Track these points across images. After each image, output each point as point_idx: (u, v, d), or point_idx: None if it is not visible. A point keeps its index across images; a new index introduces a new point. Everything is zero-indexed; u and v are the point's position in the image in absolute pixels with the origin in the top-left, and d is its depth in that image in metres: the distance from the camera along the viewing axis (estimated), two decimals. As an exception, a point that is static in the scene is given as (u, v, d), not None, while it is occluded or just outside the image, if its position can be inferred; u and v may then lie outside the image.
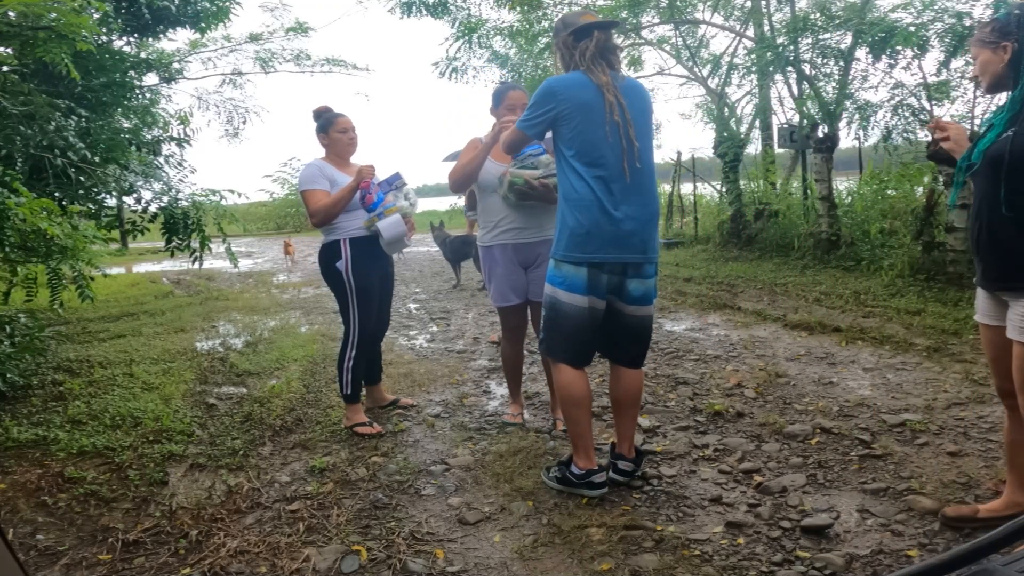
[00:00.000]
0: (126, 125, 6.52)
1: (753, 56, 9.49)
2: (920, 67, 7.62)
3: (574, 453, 2.81)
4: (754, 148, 11.98)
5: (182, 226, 5.39)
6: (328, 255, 3.61)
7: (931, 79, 7.56)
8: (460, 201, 19.90)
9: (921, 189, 7.87)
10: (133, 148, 5.67)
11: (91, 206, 5.33)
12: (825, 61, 8.68)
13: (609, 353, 2.91)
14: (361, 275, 3.57)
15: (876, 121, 8.30)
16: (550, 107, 2.66)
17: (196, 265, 5.50)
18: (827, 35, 8.38)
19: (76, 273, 4.50)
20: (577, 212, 2.64)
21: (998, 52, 2.12)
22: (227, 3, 7.20)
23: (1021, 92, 2.08)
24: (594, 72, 2.66)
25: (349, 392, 3.66)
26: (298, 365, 5.06)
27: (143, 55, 7.16)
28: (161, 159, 6.32)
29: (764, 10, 9.96)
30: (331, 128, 3.63)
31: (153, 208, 5.53)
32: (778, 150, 11.22)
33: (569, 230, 2.67)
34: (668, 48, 11.46)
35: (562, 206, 2.72)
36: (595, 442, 3.34)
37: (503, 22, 11.34)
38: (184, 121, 7.08)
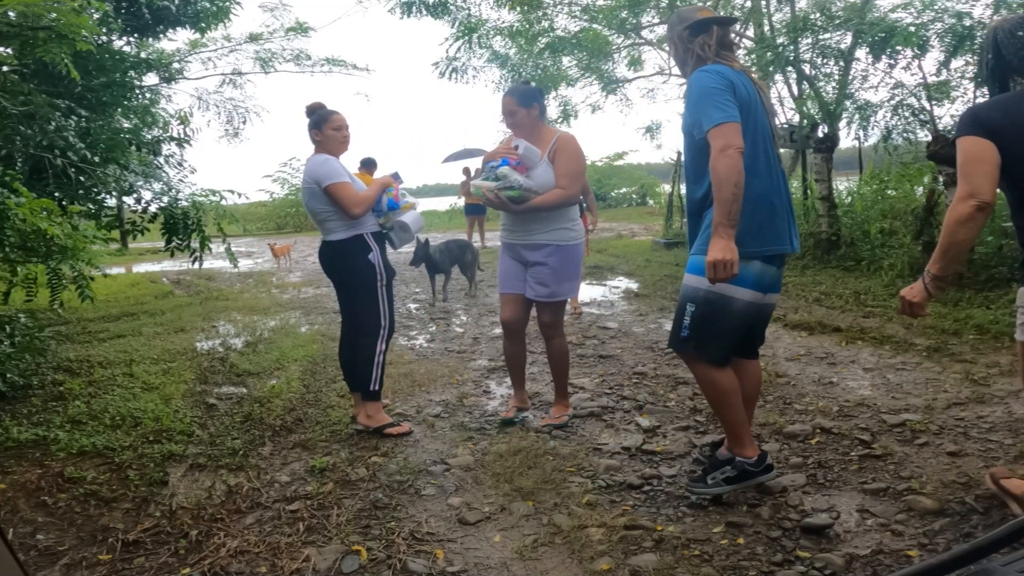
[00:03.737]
0: (126, 125, 6.53)
1: (753, 56, 9.48)
2: (920, 67, 7.64)
3: (737, 444, 2.66)
4: (754, 148, 11.97)
5: (182, 226, 5.39)
6: (354, 249, 3.55)
7: (931, 79, 7.57)
8: (460, 202, 19.96)
9: (921, 189, 7.87)
10: (133, 148, 5.67)
11: (91, 206, 5.33)
12: (825, 61, 8.68)
13: (740, 346, 2.73)
14: (387, 265, 3.64)
15: (876, 121, 8.32)
16: (731, 89, 2.46)
17: (196, 265, 5.51)
18: (827, 35, 8.38)
19: (76, 273, 4.49)
20: (747, 204, 2.43)
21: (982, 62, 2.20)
22: (227, 3, 7.21)
23: None
24: (728, 63, 2.58)
25: (379, 388, 3.63)
26: (298, 365, 5.07)
27: (143, 55, 7.16)
28: (161, 159, 6.32)
29: (764, 10, 9.96)
30: (325, 125, 3.63)
31: (153, 208, 5.54)
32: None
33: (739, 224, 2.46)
34: (668, 48, 11.45)
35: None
36: (596, 442, 3.35)
37: (503, 22, 11.35)
38: (184, 121, 7.08)
